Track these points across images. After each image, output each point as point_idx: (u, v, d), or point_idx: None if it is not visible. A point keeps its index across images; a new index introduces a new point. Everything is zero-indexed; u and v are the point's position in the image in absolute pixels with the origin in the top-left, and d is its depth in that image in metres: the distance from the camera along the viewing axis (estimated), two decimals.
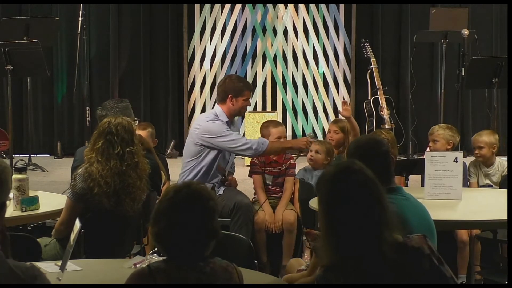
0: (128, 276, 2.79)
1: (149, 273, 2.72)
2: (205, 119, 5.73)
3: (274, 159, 5.95)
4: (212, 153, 5.68)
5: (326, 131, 9.05)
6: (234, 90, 5.69)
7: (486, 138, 5.95)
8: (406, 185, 5.71)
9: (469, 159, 6.39)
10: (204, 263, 2.76)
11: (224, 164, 5.83)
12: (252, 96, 5.82)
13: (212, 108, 9.08)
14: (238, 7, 9.13)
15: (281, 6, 9.13)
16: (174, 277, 2.71)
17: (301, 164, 6.27)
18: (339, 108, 8.98)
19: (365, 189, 2.71)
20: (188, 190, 2.78)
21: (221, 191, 5.69)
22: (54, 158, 9.03)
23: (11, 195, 4.62)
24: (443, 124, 6.19)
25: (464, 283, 5.41)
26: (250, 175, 6.01)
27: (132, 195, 4.41)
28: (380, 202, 2.72)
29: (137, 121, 5.58)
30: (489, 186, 5.89)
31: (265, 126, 6.07)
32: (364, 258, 2.67)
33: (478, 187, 5.92)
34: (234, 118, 5.85)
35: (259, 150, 5.61)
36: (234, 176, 6.01)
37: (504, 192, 5.06)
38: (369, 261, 2.67)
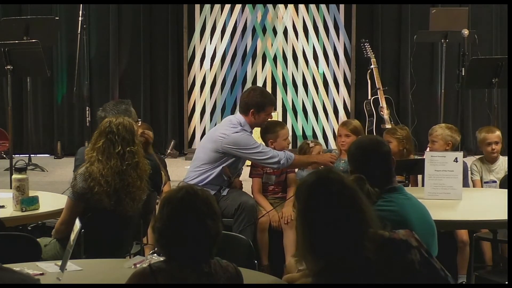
0: (128, 276, 2.79)
1: (151, 273, 2.72)
2: (232, 130, 5.64)
3: None
4: (229, 160, 5.67)
5: (329, 134, 9.12)
6: (257, 106, 5.65)
7: (499, 133, 5.97)
8: (406, 185, 5.71)
9: (469, 159, 6.39)
10: (205, 263, 2.76)
11: (235, 171, 5.81)
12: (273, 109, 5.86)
13: (212, 105, 9.16)
14: (238, 7, 9.13)
15: (281, 6, 9.13)
16: (175, 277, 2.72)
17: None
18: (339, 110, 9.06)
19: (341, 197, 2.71)
20: (189, 193, 2.79)
21: (225, 192, 5.68)
22: (54, 158, 9.03)
23: (10, 195, 4.62)
24: (443, 124, 6.17)
25: (464, 283, 5.41)
26: (250, 176, 6.00)
27: (132, 195, 4.41)
28: (359, 208, 2.72)
29: (140, 121, 5.58)
30: (493, 182, 5.89)
31: (270, 127, 6.01)
32: (349, 261, 2.67)
33: (482, 184, 5.93)
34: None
35: (285, 164, 5.62)
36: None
37: (504, 192, 5.06)
38: (356, 263, 2.67)
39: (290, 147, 8.93)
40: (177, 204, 2.78)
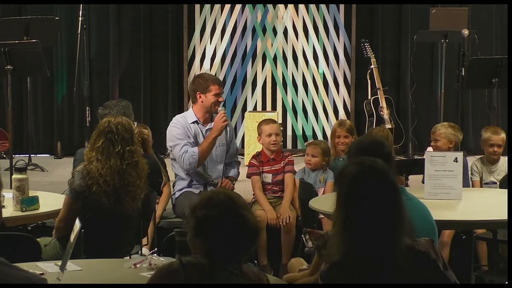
0: (130, 275, 2.78)
1: (181, 267, 2.68)
2: (170, 123, 5.83)
3: (272, 157, 5.95)
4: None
5: (329, 134, 9.06)
6: (201, 87, 5.72)
7: (504, 135, 5.96)
8: (407, 185, 5.71)
9: (469, 159, 6.38)
10: (236, 265, 2.74)
11: (214, 164, 5.79)
12: (222, 91, 5.81)
13: None
14: (238, 7, 9.13)
15: (281, 6, 9.12)
16: (204, 273, 2.68)
17: (299, 164, 6.27)
18: (339, 110, 9.07)
19: (385, 192, 2.72)
20: (231, 196, 2.79)
21: None
22: (54, 158, 9.03)
23: (10, 195, 4.62)
24: (446, 123, 6.17)
25: None
26: (248, 176, 6.00)
27: (132, 194, 4.42)
28: (398, 206, 2.72)
29: (136, 123, 5.59)
30: (493, 183, 5.89)
31: (259, 125, 6.10)
32: (373, 259, 2.68)
33: (481, 185, 5.93)
34: (209, 115, 5.78)
35: (193, 161, 5.62)
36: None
37: (504, 192, 5.06)
38: (378, 263, 2.68)
39: (290, 147, 9.02)
40: (201, 208, 2.75)
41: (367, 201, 2.69)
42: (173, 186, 5.89)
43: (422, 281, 2.73)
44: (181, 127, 5.73)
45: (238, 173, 6.00)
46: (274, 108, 9.11)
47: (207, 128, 5.76)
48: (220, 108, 5.72)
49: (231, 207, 2.75)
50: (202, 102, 5.72)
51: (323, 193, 5.73)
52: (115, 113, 4.99)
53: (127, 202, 4.41)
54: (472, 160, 6.29)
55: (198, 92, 5.72)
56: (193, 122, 5.76)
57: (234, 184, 5.90)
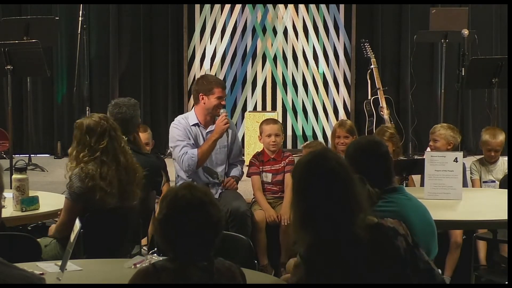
0: (130, 275, 2.80)
1: (154, 271, 2.73)
2: (172, 124, 5.83)
3: (272, 157, 5.96)
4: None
5: (329, 134, 9.08)
6: (205, 89, 5.69)
7: (502, 138, 5.97)
8: (406, 185, 5.71)
9: (469, 159, 6.39)
10: (208, 263, 2.77)
11: (214, 167, 5.79)
12: (225, 94, 5.77)
13: None
14: (238, 7, 9.13)
15: (281, 6, 9.12)
16: (178, 276, 2.72)
17: None
18: (339, 110, 9.07)
19: (337, 176, 2.80)
20: (190, 191, 2.79)
21: (217, 195, 5.63)
22: (54, 158, 9.03)
23: (10, 195, 4.62)
24: (445, 124, 6.18)
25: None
26: (248, 176, 6.00)
27: (127, 194, 4.42)
28: (352, 188, 2.81)
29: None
30: (492, 181, 5.91)
31: (261, 124, 6.11)
32: (339, 241, 2.75)
33: (480, 183, 5.94)
34: (210, 118, 5.75)
35: (192, 163, 5.60)
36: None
37: (504, 192, 5.06)
38: (345, 244, 2.75)
39: (290, 147, 9.02)
40: (165, 204, 2.79)
41: (318, 187, 2.78)
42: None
43: (395, 253, 2.80)
44: (182, 128, 5.72)
45: (242, 172, 5.99)
46: (274, 108, 9.11)
47: (207, 131, 5.73)
48: (222, 111, 5.70)
49: (175, 206, 2.77)
50: (204, 104, 5.69)
51: None
52: (130, 112, 5.07)
53: (125, 200, 4.41)
54: (471, 160, 6.30)
55: (201, 94, 5.69)
56: (194, 125, 5.74)
57: (237, 183, 5.90)
